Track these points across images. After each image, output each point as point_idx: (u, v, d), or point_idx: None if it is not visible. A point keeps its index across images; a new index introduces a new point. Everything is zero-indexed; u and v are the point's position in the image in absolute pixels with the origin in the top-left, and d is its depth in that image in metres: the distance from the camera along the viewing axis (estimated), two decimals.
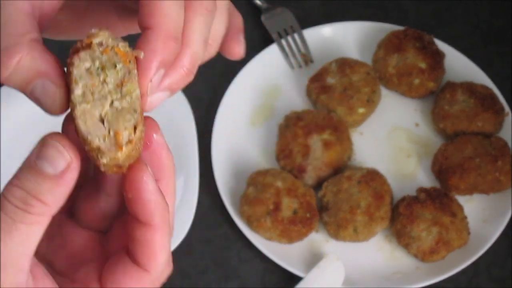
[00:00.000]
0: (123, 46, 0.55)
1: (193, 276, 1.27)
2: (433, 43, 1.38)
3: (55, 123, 1.38)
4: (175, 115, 1.35)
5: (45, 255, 0.57)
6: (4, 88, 1.35)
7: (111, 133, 0.53)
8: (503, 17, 1.51)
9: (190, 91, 1.41)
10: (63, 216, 0.59)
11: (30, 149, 1.35)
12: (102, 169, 0.53)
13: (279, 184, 1.25)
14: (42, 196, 0.53)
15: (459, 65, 1.41)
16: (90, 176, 0.59)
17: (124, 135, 0.53)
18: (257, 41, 1.46)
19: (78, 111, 0.54)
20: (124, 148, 0.53)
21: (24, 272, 0.51)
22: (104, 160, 0.53)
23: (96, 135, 0.53)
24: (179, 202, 1.28)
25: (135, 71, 0.54)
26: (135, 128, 0.53)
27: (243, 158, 1.34)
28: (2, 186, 1.32)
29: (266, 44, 1.43)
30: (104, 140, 0.53)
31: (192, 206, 1.28)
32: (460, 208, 1.26)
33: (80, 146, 0.53)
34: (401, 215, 1.24)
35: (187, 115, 1.35)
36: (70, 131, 0.54)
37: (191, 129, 1.34)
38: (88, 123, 0.53)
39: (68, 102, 0.55)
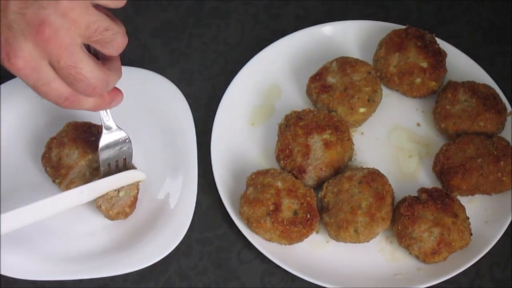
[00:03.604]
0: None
1: (192, 277, 1.26)
2: (434, 42, 1.38)
3: (55, 120, 1.38)
4: (174, 115, 1.35)
5: None
6: (4, 86, 1.34)
7: None
8: (505, 16, 1.50)
9: (189, 91, 1.40)
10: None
11: (29, 145, 1.35)
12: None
13: (279, 184, 1.24)
14: None
15: (460, 64, 1.40)
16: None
17: None
18: (257, 40, 1.45)
19: None
20: None
21: None
22: None
23: None
24: (177, 202, 1.28)
25: None
26: None
27: (243, 158, 1.33)
28: (3, 180, 1.32)
29: (265, 43, 1.42)
30: None
31: (191, 206, 1.27)
32: (462, 208, 1.25)
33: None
34: (402, 216, 1.23)
35: (186, 115, 1.34)
36: None
37: (190, 129, 1.33)
38: None
39: None
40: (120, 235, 1.26)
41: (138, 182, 1.26)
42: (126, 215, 1.25)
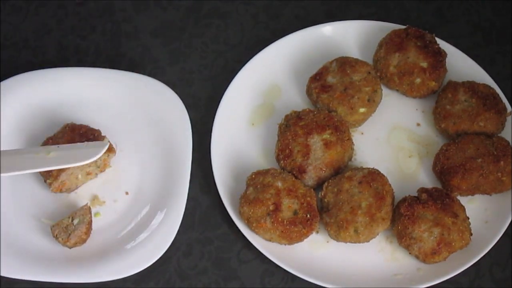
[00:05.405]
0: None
1: (192, 277, 1.26)
2: (434, 42, 1.38)
3: (53, 120, 1.38)
4: (174, 134, 1.33)
5: None
6: (4, 82, 1.34)
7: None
8: (504, 16, 1.50)
9: (189, 91, 1.40)
10: None
11: (27, 143, 1.35)
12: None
13: (279, 184, 1.24)
14: None
15: (460, 64, 1.40)
16: None
17: None
18: (257, 40, 1.45)
19: None
20: None
21: None
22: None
23: None
24: (163, 218, 1.27)
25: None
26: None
27: (243, 158, 1.33)
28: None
29: (266, 44, 1.42)
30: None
31: (176, 223, 1.26)
32: (462, 208, 1.25)
33: None
34: (402, 216, 1.23)
35: (186, 135, 1.32)
36: None
37: (187, 151, 1.31)
38: None
39: None
40: (102, 243, 1.26)
41: (89, 207, 1.26)
42: (84, 241, 1.24)
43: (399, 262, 1.26)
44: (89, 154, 1.22)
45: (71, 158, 1.22)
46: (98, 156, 1.22)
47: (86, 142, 1.26)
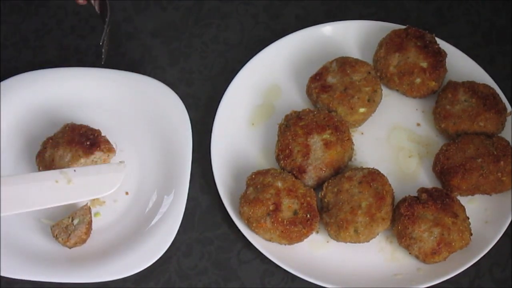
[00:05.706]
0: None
1: (192, 277, 1.26)
2: (434, 42, 1.38)
3: (55, 118, 1.38)
4: (174, 130, 1.33)
5: None
6: (4, 83, 1.34)
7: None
8: (504, 16, 1.50)
9: (189, 91, 1.40)
10: None
11: (29, 141, 1.35)
12: None
13: (279, 184, 1.24)
14: None
15: (460, 64, 1.40)
16: None
17: None
18: (257, 40, 1.45)
19: None
20: None
21: None
22: None
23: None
24: (163, 216, 1.27)
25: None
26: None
27: (242, 158, 1.33)
28: (3, 175, 1.31)
29: (266, 44, 1.42)
30: None
31: (177, 222, 1.26)
32: (462, 208, 1.25)
33: None
34: (402, 216, 1.23)
35: (185, 131, 1.32)
36: None
37: (187, 146, 1.31)
38: None
39: None
40: (102, 243, 1.26)
41: (89, 207, 1.25)
42: (84, 241, 1.24)
43: (399, 262, 1.26)
44: (110, 183, 1.20)
45: (93, 190, 1.20)
46: (118, 185, 1.21)
47: (102, 165, 1.24)
